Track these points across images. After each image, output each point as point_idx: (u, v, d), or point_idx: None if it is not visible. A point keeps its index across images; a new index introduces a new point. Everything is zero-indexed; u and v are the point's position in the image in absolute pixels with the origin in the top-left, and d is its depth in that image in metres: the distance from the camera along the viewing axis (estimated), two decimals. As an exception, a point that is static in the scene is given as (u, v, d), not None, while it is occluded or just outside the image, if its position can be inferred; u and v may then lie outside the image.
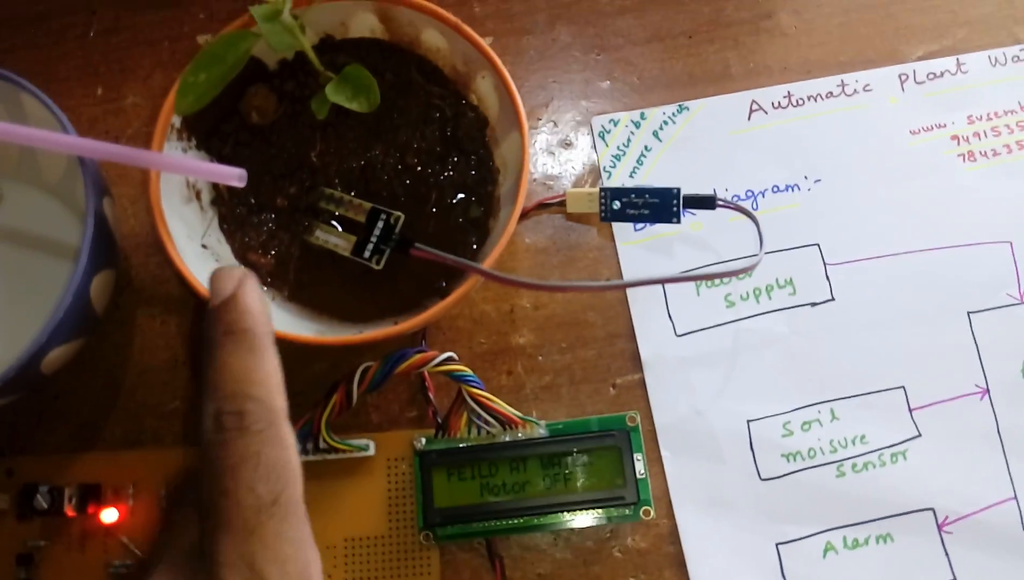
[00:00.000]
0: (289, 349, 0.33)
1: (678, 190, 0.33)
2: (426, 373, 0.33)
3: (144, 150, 0.28)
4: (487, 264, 0.29)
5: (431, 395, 0.33)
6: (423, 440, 0.32)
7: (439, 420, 0.32)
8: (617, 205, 0.34)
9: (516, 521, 0.30)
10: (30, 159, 0.34)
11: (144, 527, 0.31)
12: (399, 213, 0.31)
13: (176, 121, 0.31)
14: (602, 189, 0.34)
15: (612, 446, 0.30)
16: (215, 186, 0.33)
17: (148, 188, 0.29)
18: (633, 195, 0.34)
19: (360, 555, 0.31)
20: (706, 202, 0.33)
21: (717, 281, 0.34)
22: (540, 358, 0.34)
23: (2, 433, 0.33)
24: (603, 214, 0.34)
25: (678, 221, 0.33)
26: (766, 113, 0.36)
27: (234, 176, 0.28)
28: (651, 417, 0.32)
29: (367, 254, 0.31)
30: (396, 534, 0.31)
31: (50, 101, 0.29)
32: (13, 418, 0.33)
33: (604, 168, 0.36)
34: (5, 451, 0.33)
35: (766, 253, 0.33)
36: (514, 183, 0.31)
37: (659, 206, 0.33)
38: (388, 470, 0.32)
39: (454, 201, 0.32)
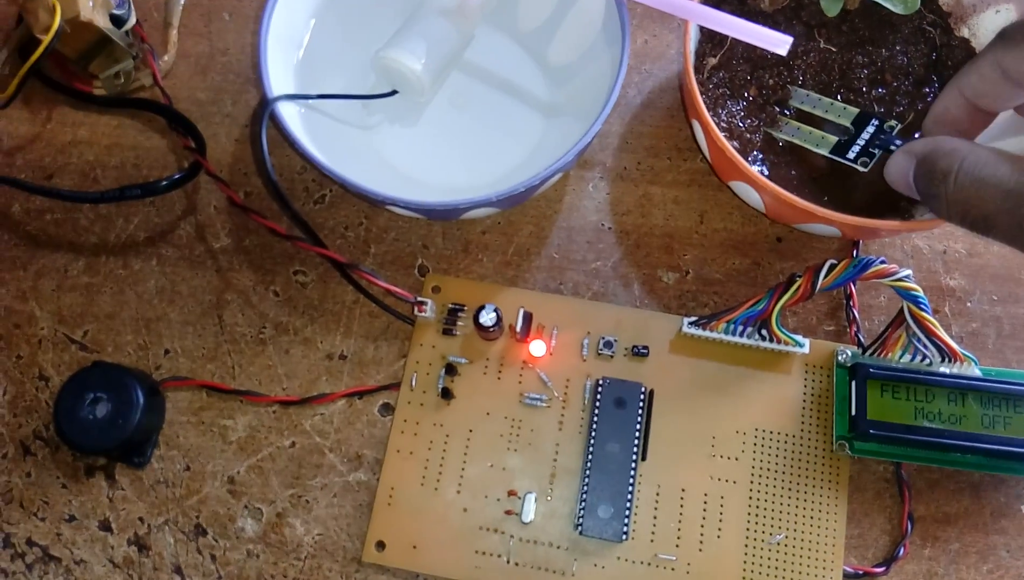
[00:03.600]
0: (713, 239, 0.35)
1: None
2: (853, 289, 0.33)
3: (697, 3, 0.30)
4: None
5: (856, 312, 0.33)
6: (848, 353, 0.32)
7: (861, 337, 0.33)
8: None
9: (941, 453, 0.30)
10: (510, 8, 0.36)
11: (562, 370, 0.32)
12: (895, 121, 0.31)
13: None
14: None
15: (1062, 401, 0.30)
16: (699, 63, 0.33)
17: (684, 41, 0.30)
18: None
19: (769, 447, 0.31)
20: None
21: None
22: (969, 304, 0.33)
23: (430, 255, 0.35)
24: None
25: None
26: None
27: (781, 42, 0.29)
28: (1083, 388, 0.32)
29: (852, 155, 0.31)
30: (806, 437, 0.31)
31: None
32: (442, 243, 0.35)
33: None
34: (429, 270, 0.34)
35: None
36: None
37: None
38: (806, 374, 0.32)
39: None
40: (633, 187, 0.36)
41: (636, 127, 0.36)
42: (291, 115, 0.32)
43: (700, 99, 0.30)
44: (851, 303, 0.33)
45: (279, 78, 0.32)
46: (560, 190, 0.36)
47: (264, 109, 0.29)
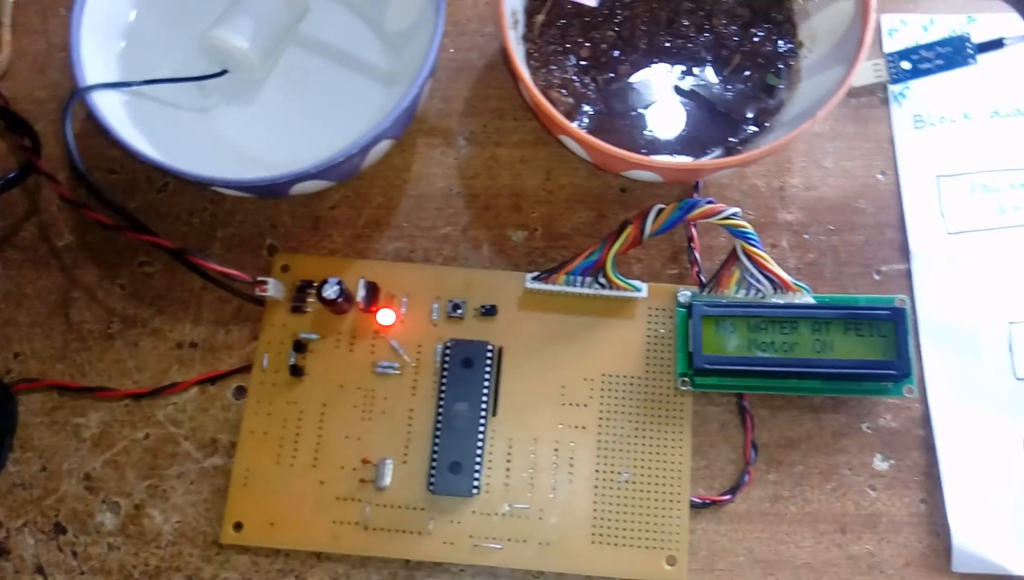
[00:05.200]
0: (559, 195, 0.35)
1: (967, 35, 0.34)
2: (693, 232, 0.34)
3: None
4: (804, 127, 0.29)
5: (697, 253, 0.34)
6: (687, 293, 0.33)
7: (702, 278, 0.33)
8: (907, 64, 0.35)
9: (778, 381, 0.31)
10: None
11: (414, 336, 0.32)
12: None
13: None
14: (887, 54, 0.35)
15: (887, 320, 0.31)
16: (528, 21, 0.34)
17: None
18: (922, 50, 0.34)
19: (615, 391, 0.32)
20: (994, 44, 0.34)
21: (991, 188, 0.34)
22: (806, 236, 0.34)
23: (279, 234, 0.34)
24: (893, 77, 0.35)
25: (975, 62, 0.34)
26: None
27: (588, -6, 0.29)
28: (913, 307, 0.33)
29: None
30: (651, 378, 0.32)
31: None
32: (290, 221, 0.35)
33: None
34: (279, 249, 0.34)
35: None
36: (828, 52, 0.32)
37: (952, 53, 0.34)
38: (649, 317, 0.33)
39: (752, 67, 0.33)
40: (480, 150, 0.36)
41: (481, 90, 0.36)
42: (113, 104, 0.31)
43: (516, 57, 0.30)
44: (692, 245, 0.34)
45: (98, 69, 0.31)
46: (408, 159, 0.36)
47: (69, 101, 0.29)
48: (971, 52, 0.34)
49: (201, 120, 0.34)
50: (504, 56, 0.34)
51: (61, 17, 0.38)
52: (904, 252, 0.34)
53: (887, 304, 0.31)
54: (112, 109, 0.31)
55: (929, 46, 0.34)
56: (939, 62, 0.34)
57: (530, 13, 0.33)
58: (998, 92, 0.35)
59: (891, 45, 0.37)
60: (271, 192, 0.33)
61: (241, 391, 0.32)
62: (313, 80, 0.35)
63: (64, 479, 0.32)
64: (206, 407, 0.32)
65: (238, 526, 0.30)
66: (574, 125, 0.30)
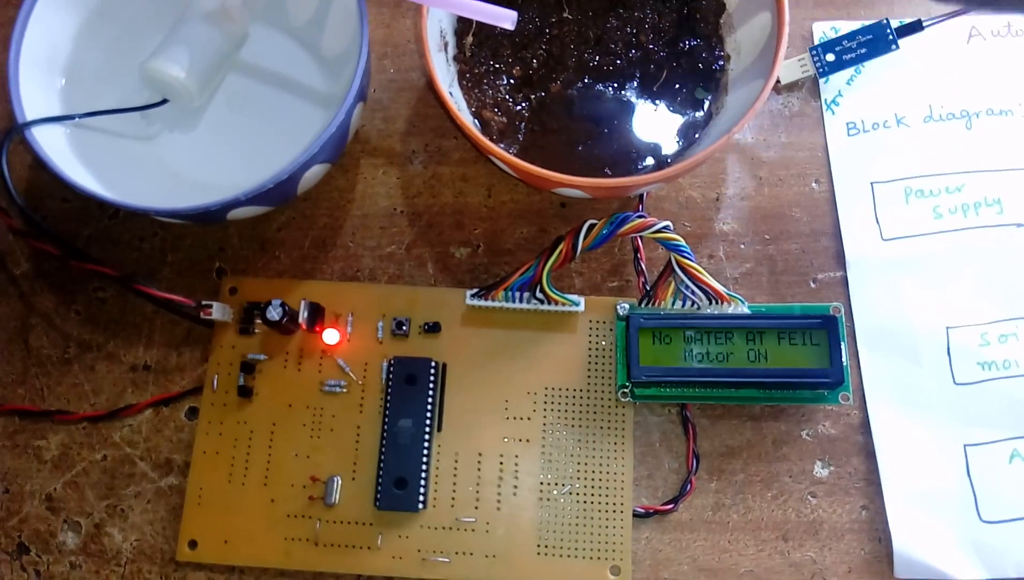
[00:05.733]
0: (501, 211, 0.36)
1: (887, 20, 0.35)
2: (640, 243, 0.34)
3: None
4: (728, 137, 0.30)
5: (643, 264, 0.34)
6: (626, 306, 0.33)
7: (647, 289, 0.34)
8: (831, 57, 0.35)
9: (715, 390, 0.32)
10: (278, 3, 0.36)
11: (360, 355, 0.33)
12: None
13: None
14: (811, 48, 0.36)
15: (820, 329, 0.31)
16: (459, 42, 0.34)
17: (420, 24, 0.31)
18: (844, 40, 0.35)
19: (558, 404, 0.32)
20: (914, 27, 0.35)
21: (926, 192, 0.35)
22: (742, 246, 0.35)
23: (228, 257, 0.35)
24: (820, 70, 0.35)
25: (896, 47, 0.35)
26: (984, 40, 0.36)
27: (507, 18, 0.29)
28: (850, 314, 0.34)
29: None
30: (593, 390, 0.33)
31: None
32: (238, 244, 0.35)
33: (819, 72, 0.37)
34: (228, 272, 0.35)
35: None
36: (752, 64, 0.32)
37: (873, 40, 0.35)
38: (590, 330, 0.33)
39: (681, 81, 0.34)
40: (422, 169, 0.36)
41: (422, 109, 0.37)
42: (56, 137, 0.32)
43: (438, 80, 0.30)
44: (639, 257, 0.34)
45: (39, 103, 0.32)
46: (352, 179, 0.36)
47: (5, 138, 0.29)
48: (892, 37, 0.35)
49: (146, 149, 0.35)
50: (428, 80, 0.34)
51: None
52: (840, 259, 0.34)
53: (821, 312, 0.32)
54: (55, 142, 0.32)
55: (851, 35, 0.35)
56: (862, 51, 0.35)
57: (459, 35, 0.34)
58: (931, 95, 0.36)
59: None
60: (207, 218, 0.33)
61: (193, 412, 0.33)
62: (255, 106, 0.36)
63: (26, 500, 0.33)
64: (160, 428, 0.33)
65: (193, 544, 0.32)
66: (500, 146, 0.31)
